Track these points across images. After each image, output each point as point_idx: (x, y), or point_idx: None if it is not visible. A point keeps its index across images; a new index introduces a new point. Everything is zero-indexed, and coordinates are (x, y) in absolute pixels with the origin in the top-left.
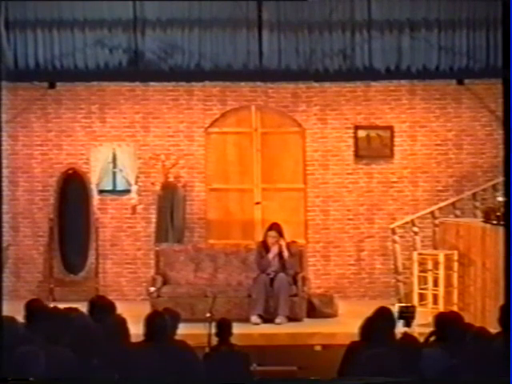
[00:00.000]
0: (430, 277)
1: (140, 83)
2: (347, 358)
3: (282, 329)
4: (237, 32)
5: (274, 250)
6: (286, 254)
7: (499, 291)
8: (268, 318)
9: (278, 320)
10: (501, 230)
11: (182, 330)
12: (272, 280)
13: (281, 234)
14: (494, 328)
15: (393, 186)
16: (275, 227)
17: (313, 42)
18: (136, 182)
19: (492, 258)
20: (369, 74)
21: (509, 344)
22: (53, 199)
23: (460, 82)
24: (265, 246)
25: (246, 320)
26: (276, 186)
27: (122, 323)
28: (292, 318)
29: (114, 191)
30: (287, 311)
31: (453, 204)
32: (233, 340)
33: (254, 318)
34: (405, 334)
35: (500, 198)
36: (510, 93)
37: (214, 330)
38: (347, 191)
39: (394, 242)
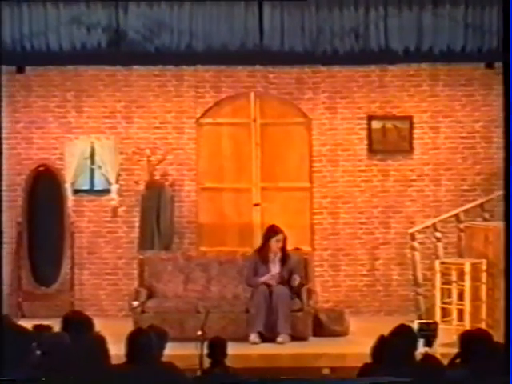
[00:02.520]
0: (454, 289)
1: (122, 67)
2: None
3: (284, 349)
4: (233, 8)
5: (277, 258)
6: (292, 261)
7: None
8: (269, 337)
9: (279, 339)
10: None
11: (170, 351)
12: (271, 293)
13: (285, 239)
14: None
15: (412, 184)
16: (280, 230)
17: (320, 19)
18: (117, 181)
19: None
20: (385, 56)
21: (509, 343)
22: (21, 200)
23: (489, 66)
24: (263, 257)
25: (244, 339)
26: (278, 185)
27: (100, 342)
28: (296, 337)
29: (91, 191)
30: (288, 328)
31: (481, 205)
32: (228, 362)
33: (253, 337)
34: (426, 356)
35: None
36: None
37: (206, 351)
38: (359, 191)
39: (413, 249)
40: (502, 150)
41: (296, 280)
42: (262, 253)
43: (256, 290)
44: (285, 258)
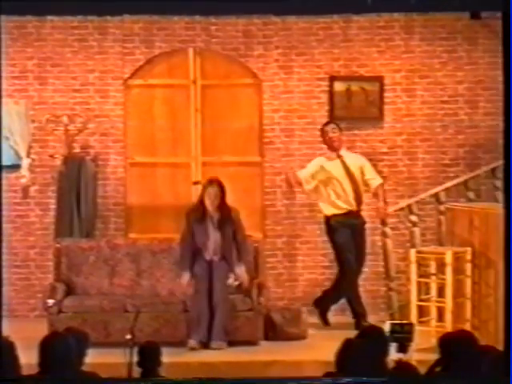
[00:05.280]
0: (433, 283)
1: (33, 17)
2: None
3: (229, 356)
4: None
5: (215, 218)
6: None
7: None
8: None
9: (213, 344)
10: None
11: (93, 358)
12: (211, 289)
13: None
14: None
15: (382, 158)
16: (215, 180)
17: None
18: (28, 155)
19: None
20: (350, 3)
21: (509, 343)
22: None
23: (475, 16)
24: (198, 219)
25: (181, 343)
26: (222, 160)
27: (8, 349)
28: (244, 341)
29: None
30: (222, 333)
31: (465, 183)
32: (162, 371)
33: (193, 342)
34: (399, 363)
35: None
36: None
37: (136, 358)
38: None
39: (385, 235)
40: (489, 116)
41: (231, 279)
42: (197, 214)
43: (199, 284)
44: (223, 219)
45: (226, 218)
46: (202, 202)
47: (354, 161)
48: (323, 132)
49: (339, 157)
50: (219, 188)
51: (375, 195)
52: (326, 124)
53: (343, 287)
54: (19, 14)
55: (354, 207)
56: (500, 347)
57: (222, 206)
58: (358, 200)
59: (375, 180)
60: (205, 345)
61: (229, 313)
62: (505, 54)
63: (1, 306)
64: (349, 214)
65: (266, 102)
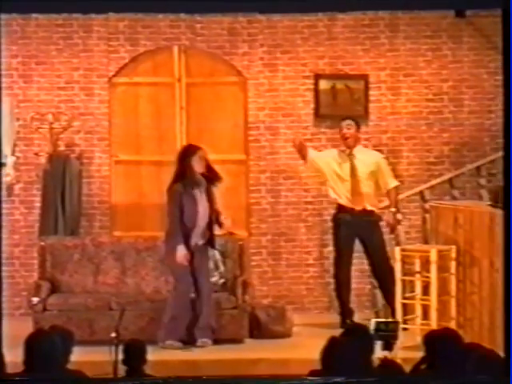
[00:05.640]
0: (418, 281)
1: (18, 15)
2: None
3: (214, 354)
4: None
5: (202, 187)
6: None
7: None
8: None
9: (198, 342)
10: None
11: (78, 356)
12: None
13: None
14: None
15: None
16: (199, 147)
17: None
18: (13, 153)
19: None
20: (335, 1)
21: (509, 342)
22: None
23: (460, 14)
24: (188, 191)
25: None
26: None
27: None
28: (230, 339)
29: None
30: (207, 329)
31: (450, 181)
32: (147, 369)
33: (173, 343)
34: (384, 361)
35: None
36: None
37: (121, 356)
38: (304, 164)
39: None
40: (474, 114)
41: (216, 277)
42: (185, 183)
43: (181, 280)
44: (210, 185)
45: (213, 184)
46: (189, 169)
47: (369, 159)
48: (340, 127)
49: (350, 155)
50: (205, 152)
51: (387, 196)
52: (344, 119)
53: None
54: (5, 12)
55: (352, 205)
56: (485, 344)
57: (210, 170)
58: (358, 199)
59: (388, 181)
60: (186, 342)
61: (214, 309)
62: (505, 53)
63: (1, 305)
64: (350, 211)
65: (251, 100)
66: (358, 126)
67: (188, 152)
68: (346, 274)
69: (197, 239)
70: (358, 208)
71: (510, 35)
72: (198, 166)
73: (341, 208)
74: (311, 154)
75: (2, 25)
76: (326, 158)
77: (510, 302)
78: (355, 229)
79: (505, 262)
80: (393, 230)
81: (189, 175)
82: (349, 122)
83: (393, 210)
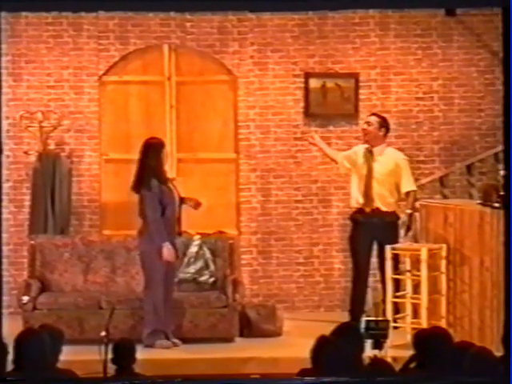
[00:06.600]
0: (408, 280)
1: (7, 13)
2: None
3: (205, 352)
4: None
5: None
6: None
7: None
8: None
9: (175, 340)
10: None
11: (68, 355)
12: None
13: None
14: (496, 350)
15: None
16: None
17: None
18: (1, 151)
19: (493, 253)
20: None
21: (509, 342)
22: None
23: (450, 13)
24: (164, 178)
25: None
26: (197, 156)
27: None
28: (220, 338)
29: None
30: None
31: (440, 180)
32: (137, 368)
33: (164, 343)
34: (374, 359)
35: (504, 172)
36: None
37: (110, 355)
38: (295, 163)
39: None
40: (464, 113)
41: (207, 276)
42: (161, 178)
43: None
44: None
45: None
46: (161, 164)
47: (389, 159)
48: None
49: (369, 152)
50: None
51: (406, 198)
52: (370, 115)
53: (356, 286)
54: None
55: (363, 206)
56: (475, 343)
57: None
58: (370, 200)
59: (407, 185)
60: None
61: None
62: (505, 52)
63: (1, 304)
64: (362, 211)
65: (241, 98)
66: (381, 125)
67: (158, 146)
68: (362, 290)
69: (174, 235)
70: (369, 208)
71: (509, 34)
72: (165, 161)
73: (356, 208)
74: (340, 154)
75: (2, 23)
76: (352, 155)
77: (510, 301)
78: (370, 230)
79: (505, 261)
80: (407, 231)
81: (162, 170)
82: (371, 118)
83: (408, 211)
